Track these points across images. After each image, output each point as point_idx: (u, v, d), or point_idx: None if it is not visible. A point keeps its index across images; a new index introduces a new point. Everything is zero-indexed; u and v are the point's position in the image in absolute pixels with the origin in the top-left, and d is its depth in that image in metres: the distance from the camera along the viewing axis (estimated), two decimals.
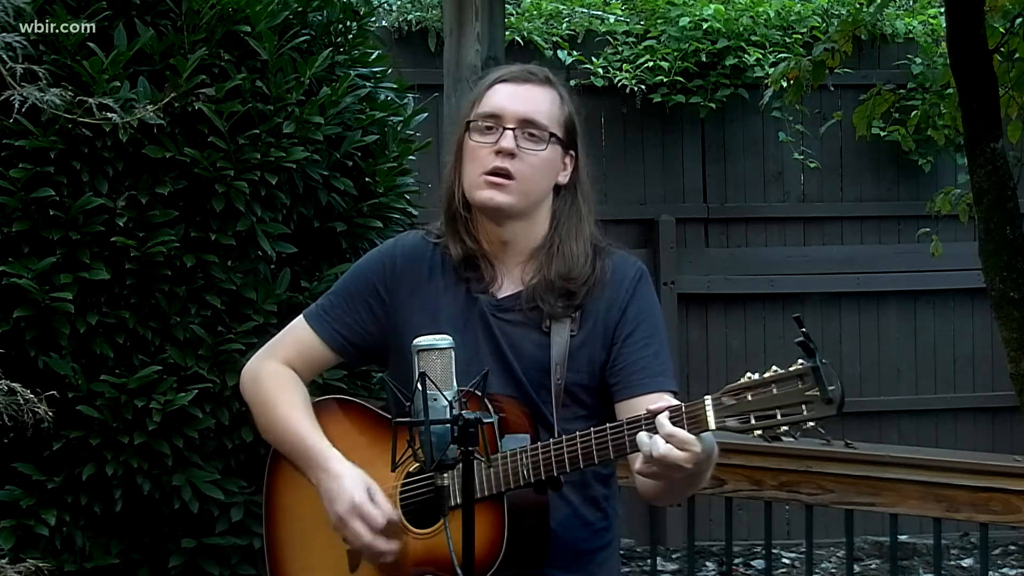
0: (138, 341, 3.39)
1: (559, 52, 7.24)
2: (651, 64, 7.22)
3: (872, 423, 7.27)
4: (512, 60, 2.86)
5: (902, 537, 5.83)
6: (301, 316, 2.78)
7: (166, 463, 3.37)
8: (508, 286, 2.66)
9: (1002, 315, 4.85)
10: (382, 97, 3.87)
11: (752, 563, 6.88)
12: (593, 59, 7.25)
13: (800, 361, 2.25)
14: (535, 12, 7.52)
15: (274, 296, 3.47)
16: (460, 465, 2.32)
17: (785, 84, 6.01)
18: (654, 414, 2.35)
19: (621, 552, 2.89)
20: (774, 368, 2.29)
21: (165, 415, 3.33)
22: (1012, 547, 7.15)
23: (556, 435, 2.51)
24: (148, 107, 3.28)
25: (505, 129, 2.61)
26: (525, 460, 2.46)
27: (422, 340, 2.35)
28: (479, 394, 2.37)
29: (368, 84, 3.82)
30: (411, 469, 2.56)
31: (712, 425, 2.31)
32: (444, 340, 2.35)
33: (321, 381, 3.10)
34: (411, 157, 3.87)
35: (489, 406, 2.40)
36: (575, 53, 7.25)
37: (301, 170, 3.52)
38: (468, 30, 4.80)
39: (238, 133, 3.42)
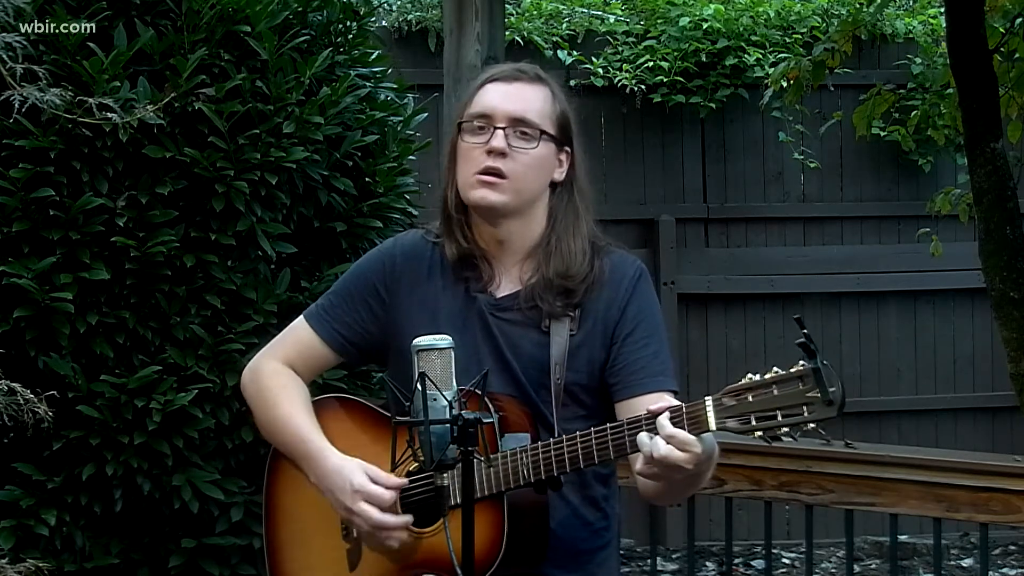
0: (138, 341, 3.39)
1: (559, 52, 7.24)
2: (651, 64, 7.22)
3: (872, 423, 7.27)
4: (512, 60, 2.86)
5: (902, 537, 5.83)
6: (301, 316, 2.78)
7: (166, 463, 3.37)
8: (507, 285, 2.66)
9: (1002, 315, 4.85)
10: (382, 97, 3.86)
11: (752, 563, 6.88)
12: (593, 59, 7.25)
13: (801, 362, 2.25)
14: (535, 12, 7.52)
15: (274, 296, 3.47)
16: (460, 465, 2.32)
17: (785, 84, 6.01)
18: (654, 415, 2.34)
19: (621, 552, 2.89)
20: (775, 369, 2.28)
21: (165, 415, 3.33)
22: (1012, 547, 7.15)
23: (556, 435, 2.50)
24: (148, 107, 3.28)
25: (496, 128, 2.61)
26: (525, 460, 2.46)
27: (422, 340, 2.35)
28: (479, 393, 2.37)
29: (368, 84, 3.82)
30: (411, 468, 2.56)
31: (712, 426, 2.31)
32: (444, 340, 2.35)
33: (321, 381, 3.09)
34: (411, 157, 3.87)
35: (489, 406, 2.40)
36: (575, 53, 7.25)
37: (301, 170, 3.52)
38: (468, 30, 4.80)
39: (238, 133, 3.42)
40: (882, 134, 7.24)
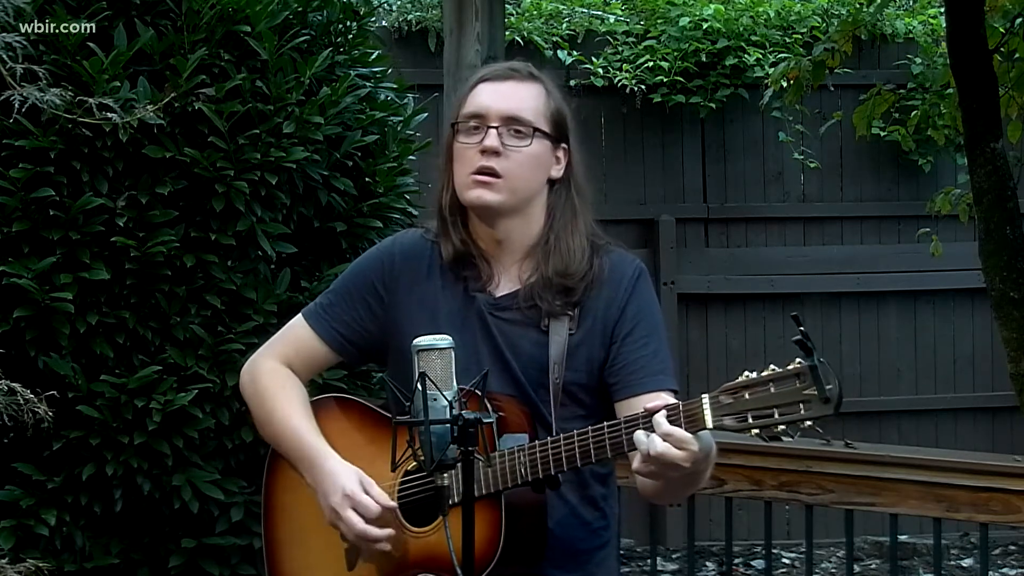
0: (138, 341, 3.40)
1: (559, 52, 7.24)
2: (651, 64, 7.22)
3: (872, 423, 7.27)
4: (511, 60, 2.85)
5: (902, 537, 5.83)
6: (300, 315, 2.78)
7: (166, 463, 3.37)
8: (506, 284, 2.65)
9: (1002, 315, 4.85)
10: (382, 97, 3.87)
11: (752, 563, 6.88)
12: (593, 59, 7.25)
13: (798, 360, 2.24)
14: (535, 12, 7.52)
15: (274, 296, 3.47)
16: (459, 465, 2.32)
17: (785, 84, 6.01)
18: (651, 413, 2.34)
19: (621, 552, 2.89)
20: (772, 367, 2.28)
21: (165, 415, 3.33)
22: (1012, 547, 7.15)
23: (554, 434, 2.50)
24: (148, 107, 3.29)
25: (489, 128, 2.60)
26: (523, 459, 2.46)
27: (422, 340, 2.35)
28: (479, 393, 2.37)
29: (368, 84, 3.82)
30: (409, 467, 2.56)
31: (709, 424, 2.31)
32: (444, 340, 2.35)
33: (321, 381, 3.10)
34: (411, 157, 3.88)
35: (488, 406, 2.40)
36: (575, 53, 7.25)
37: (301, 170, 3.53)
38: (468, 30, 4.80)
39: (238, 133, 3.42)
40: (882, 134, 7.24)
